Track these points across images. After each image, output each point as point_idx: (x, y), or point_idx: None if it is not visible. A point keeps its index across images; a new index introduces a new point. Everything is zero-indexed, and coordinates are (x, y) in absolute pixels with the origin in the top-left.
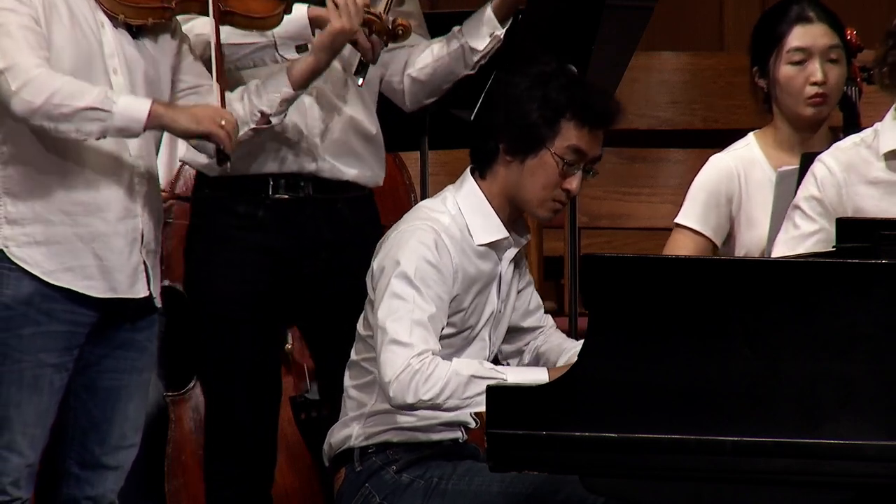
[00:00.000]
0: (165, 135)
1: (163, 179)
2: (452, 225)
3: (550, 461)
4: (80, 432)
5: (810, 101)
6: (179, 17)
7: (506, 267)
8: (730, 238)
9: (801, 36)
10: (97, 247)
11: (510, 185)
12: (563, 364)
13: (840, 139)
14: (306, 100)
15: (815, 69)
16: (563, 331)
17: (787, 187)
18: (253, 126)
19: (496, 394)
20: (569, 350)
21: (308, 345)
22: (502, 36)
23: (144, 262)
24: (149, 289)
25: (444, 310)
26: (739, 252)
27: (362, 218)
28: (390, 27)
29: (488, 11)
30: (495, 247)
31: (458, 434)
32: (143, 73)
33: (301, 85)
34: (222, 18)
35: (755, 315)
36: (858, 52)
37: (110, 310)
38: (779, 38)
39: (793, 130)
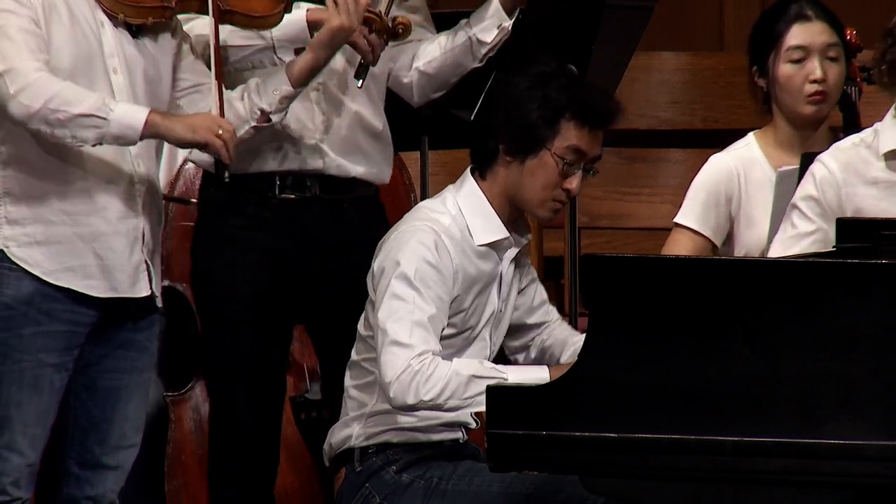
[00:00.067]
0: None
1: (163, 179)
2: (453, 225)
3: (550, 461)
4: (80, 432)
5: (810, 99)
6: (180, 18)
7: (506, 267)
8: (730, 238)
9: (799, 34)
10: (98, 246)
11: (510, 186)
12: (568, 358)
13: (840, 139)
14: (312, 96)
15: (815, 67)
16: None
17: (787, 187)
18: (254, 124)
19: (496, 394)
20: (573, 344)
21: (313, 345)
22: (510, 28)
23: (146, 262)
24: (151, 288)
25: (444, 310)
26: (739, 252)
27: (368, 218)
28: (391, 25)
29: (495, 3)
30: (496, 247)
31: (459, 434)
32: (144, 72)
33: (301, 82)
34: (222, 17)
35: (755, 315)
36: (858, 52)
37: (111, 309)
38: (777, 36)
39: (792, 129)
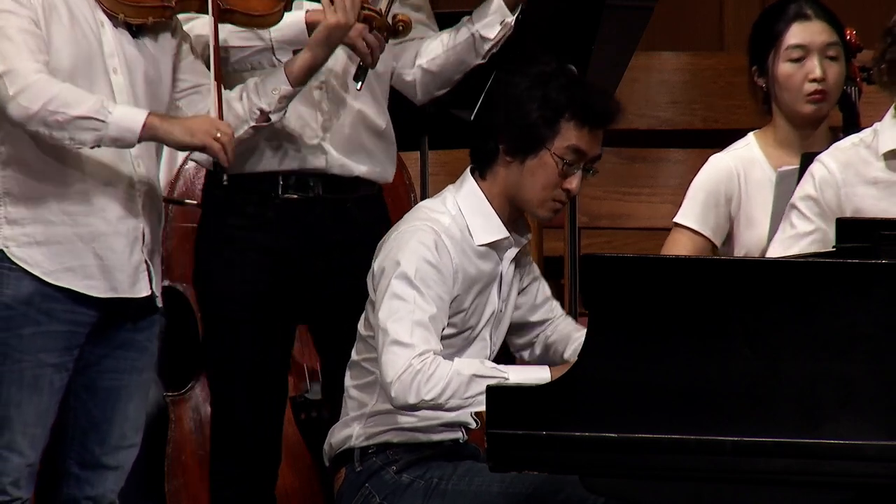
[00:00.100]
0: None
1: (163, 180)
2: (452, 225)
3: (550, 461)
4: (80, 432)
5: (810, 97)
6: (180, 17)
7: (506, 267)
8: (730, 238)
9: (799, 33)
10: (98, 246)
11: (510, 186)
12: (571, 354)
13: (840, 139)
14: (315, 95)
15: (814, 66)
16: None
17: (787, 187)
18: (253, 124)
19: (496, 394)
20: (576, 340)
21: (315, 344)
22: (513, 23)
23: (146, 262)
24: (151, 288)
25: (444, 310)
26: (739, 252)
27: (372, 218)
28: (391, 23)
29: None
30: (496, 247)
31: (459, 434)
32: (144, 72)
33: (299, 81)
34: (222, 16)
35: (755, 315)
36: (858, 52)
37: (111, 309)
38: (777, 36)
39: (792, 129)
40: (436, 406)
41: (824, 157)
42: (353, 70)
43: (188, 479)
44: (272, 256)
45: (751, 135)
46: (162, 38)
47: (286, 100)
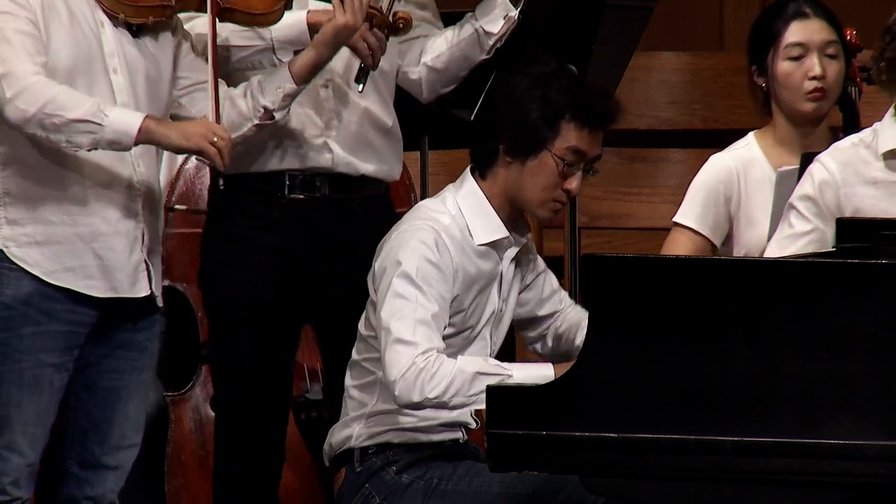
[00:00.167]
0: None
1: (163, 180)
2: (452, 225)
3: (550, 461)
4: (80, 432)
5: (809, 95)
6: (181, 17)
7: (507, 266)
8: (729, 238)
9: (798, 31)
10: (98, 246)
11: (510, 186)
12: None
13: (840, 139)
14: (321, 93)
15: (814, 64)
16: None
17: (787, 187)
18: (257, 122)
19: (496, 394)
20: (585, 327)
21: (319, 344)
22: (516, 17)
23: (146, 262)
24: (150, 288)
25: (446, 308)
26: (739, 252)
27: (377, 217)
28: (391, 20)
29: None
30: (495, 246)
31: (459, 434)
32: (144, 72)
33: (303, 79)
34: (223, 15)
35: (755, 315)
36: (858, 51)
37: (111, 309)
38: (776, 34)
39: (792, 127)
40: (440, 404)
41: (824, 157)
42: (355, 71)
43: (188, 479)
44: (278, 257)
45: (751, 134)
46: (162, 37)
47: (290, 98)
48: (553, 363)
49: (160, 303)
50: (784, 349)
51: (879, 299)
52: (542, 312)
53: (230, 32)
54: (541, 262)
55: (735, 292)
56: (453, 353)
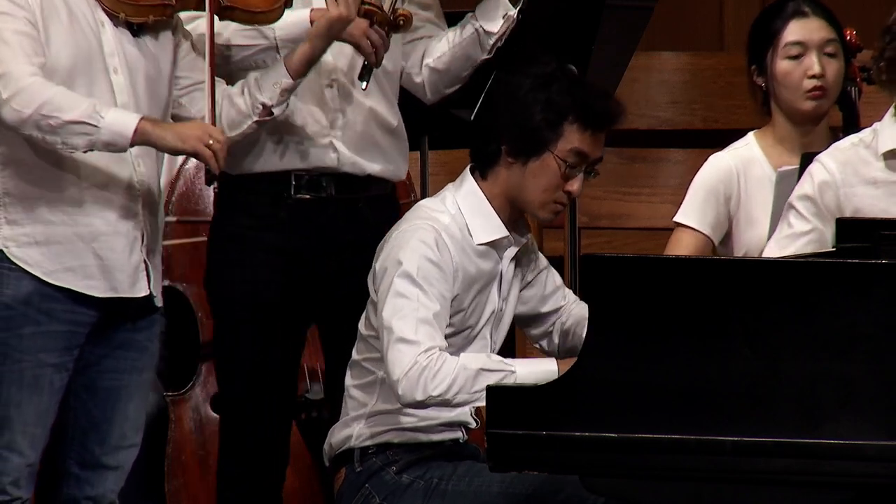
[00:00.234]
0: None
1: (163, 180)
2: (452, 224)
3: (550, 461)
4: (80, 432)
5: (809, 94)
6: (183, 17)
7: (506, 266)
8: (730, 237)
9: (797, 30)
10: (98, 246)
11: (512, 187)
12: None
13: (840, 139)
14: (326, 93)
15: (813, 62)
16: None
17: (787, 187)
18: (256, 119)
19: (496, 394)
20: None
21: (322, 344)
22: (515, 16)
23: (146, 262)
24: (149, 288)
25: (447, 307)
26: (739, 252)
27: (384, 217)
28: (391, 17)
29: None
30: (495, 246)
31: (459, 434)
32: (144, 71)
33: (300, 73)
34: (223, 13)
35: (755, 315)
36: (858, 51)
37: (111, 309)
38: (775, 33)
39: (792, 127)
40: (443, 402)
41: (823, 157)
42: (359, 69)
43: (188, 479)
44: (284, 257)
45: (750, 134)
46: (162, 36)
47: (287, 93)
48: (558, 360)
49: (160, 303)
50: (784, 349)
51: (879, 299)
52: (545, 309)
53: (233, 32)
54: (543, 260)
55: (735, 292)
56: (454, 353)
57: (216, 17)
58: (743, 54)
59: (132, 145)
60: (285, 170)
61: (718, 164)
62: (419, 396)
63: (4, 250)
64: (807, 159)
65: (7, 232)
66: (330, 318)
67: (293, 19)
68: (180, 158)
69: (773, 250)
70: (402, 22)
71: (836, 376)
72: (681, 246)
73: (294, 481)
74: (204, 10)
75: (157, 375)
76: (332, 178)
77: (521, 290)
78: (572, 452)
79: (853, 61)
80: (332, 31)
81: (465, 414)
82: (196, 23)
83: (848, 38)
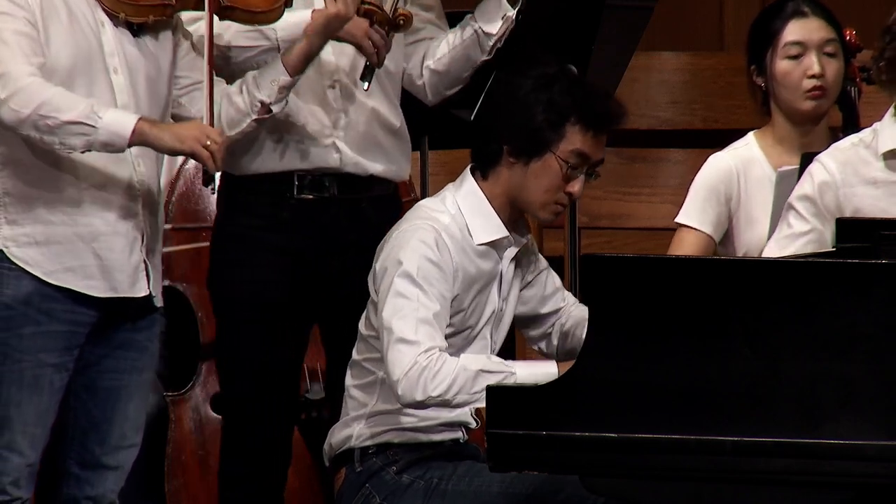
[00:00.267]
0: None
1: (163, 180)
2: (452, 224)
3: (550, 461)
4: (80, 432)
5: (808, 94)
6: (185, 18)
7: (506, 266)
8: (730, 237)
9: (796, 30)
10: (98, 246)
11: (513, 187)
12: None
13: (840, 139)
14: (329, 93)
15: (812, 62)
16: None
17: (787, 187)
18: (255, 117)
19: (496, 394)
20: None
21: (324, 344)
22: (514, 17)
23: (145, 262)
24: (149, 288)
25: (447, 308)
26: (739, 252)
27: (386, 217)
28: (391, 17)
29: None
30: (495, 246)
31: (459, 434)
32: (145, 71)
33: (297, 70)
34: (223, 13)
35: (755, 315)
36: (858, 51)
37: (111, 309)
38: (775, 33)
39: (791, 126)
40: (443, 402)
41: (823, 157)
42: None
43: (188, 479)
44: (287, 257)
45: (750, 134)
46: (162, 36)
47: (286, 90)
48: (557, 361)
49: (160, 302)
50: (784, 349)
51: (879, 299)
52: (544, 310)
53: (235, 33)
54: (543, 261)
55: (735, 292)
56: (454, 353)
57: (217, 18)
58: (743, 54)
59: (130, 146)
60: (288, 170)
61: (718, 164)
62: (419, 397)
63: (4, 250)
64: (807, 159)
65: (7, 232)
66: (332, 318)
67: (295, 20)
68: (180, 158)
69: (773, 250)
70: (402, 22)
71: (836, 376)
72: (684, 246)
73: (294, 481)
74: (200, 9)
75: (157, 375)
76: (335, 178)
77: (520, 291)
78: (572, 452)
79: (853, 61)
80: (329, 29)
81: (465, 414)
82: (198, 24)
83: (848, 38)
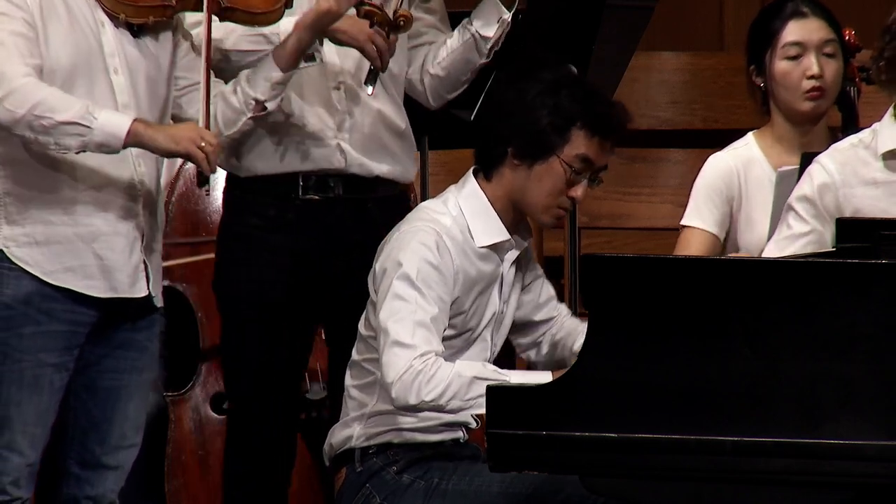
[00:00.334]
0: None
1: (163, 179)
2: (454, 226)
3: (550, 461)
4: (80, 432)
5: (808, 94)
6: (189, 20)
7: (507, 268)
8: (729, 237)
9: (796, 30)
10: (98, 246)
11: (516, 189)
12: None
13: (839, 139)
14: (333, 95)
15: (811, 63)
16: None
17: (787, 187)
18: (250, 115)
19: (496, 394)
20: (583, 332)
21: (328, 344)
22: (510, 20)
23: (145, 262)
24: (149, 288)
25: (445, 311)
26: (740, 252)
27: (392, 218)
28: (391, 18)
29: None
30: (496, 248)
31: (459, 434)
32: (145, 72)
33: (290, 66)
34: (223, 14)
35: (755, 315)
36: (857, 52)
37: (111, 309)
38: (774, 33)
39: (791, 127)
40: (436, 407)
41: (823, 158)
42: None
43: (188, 479)
44: (292, 257)
45: (750, 134)
46: (162, 37)
47: (279, 86)
48: (550, 371)
49: (160, 302)
50: (784, 349)
51: (879, 299)
52: (537, 318)
53: (238, 37)
54: (539, 268)
55: (735, 292)
56: (454, 355)
57: (217, 19)
58: (743, 54)
59: (125, 147)
60: (293, 171)
61: (718, 165)
62: (412, 401)
63: (4, 250)
64: (806, 159)
65: (7, 232)
66: (337, 319)
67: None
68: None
69: (773, 251)
70: (402, 23)
71: (836, 376)
72: (690, 246)
73: (294, 481)
74: (199, 10)
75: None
76: (340, 178)
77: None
78: (572, 452)
79: (852, 61)
80: (318, 24)
81: (465, 414)
82: (201, 27)
83: (847, 38)
